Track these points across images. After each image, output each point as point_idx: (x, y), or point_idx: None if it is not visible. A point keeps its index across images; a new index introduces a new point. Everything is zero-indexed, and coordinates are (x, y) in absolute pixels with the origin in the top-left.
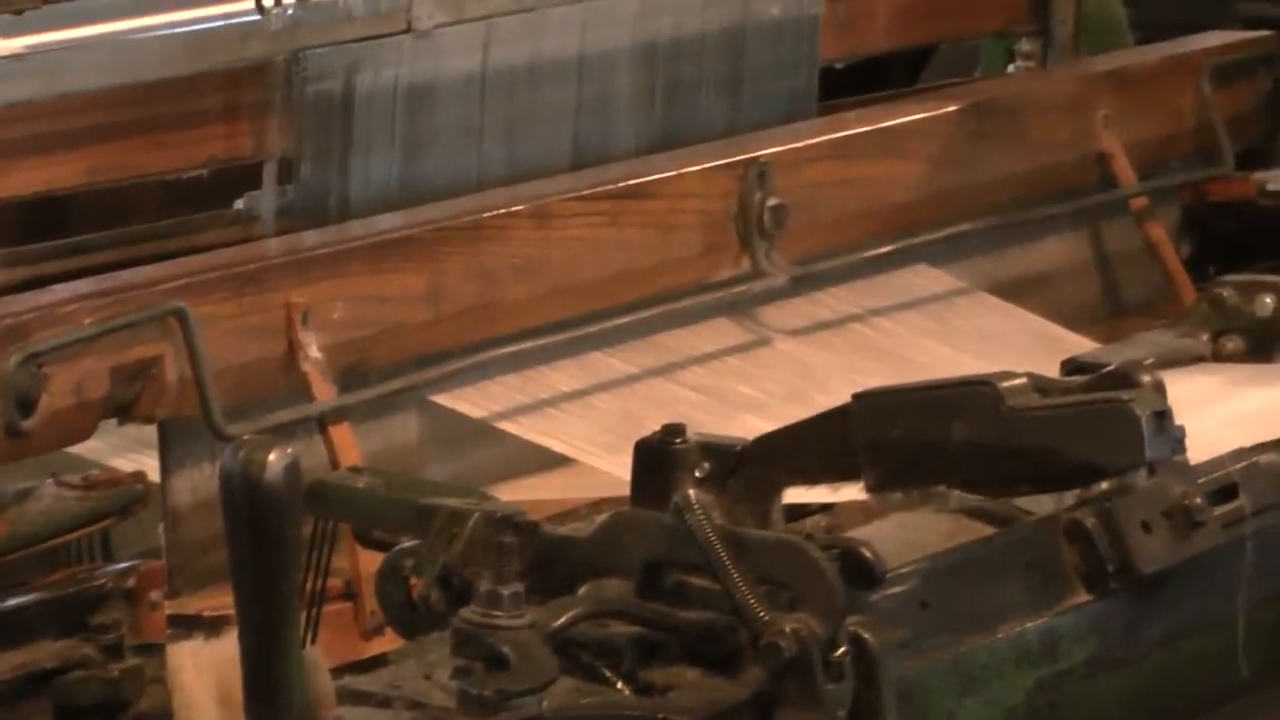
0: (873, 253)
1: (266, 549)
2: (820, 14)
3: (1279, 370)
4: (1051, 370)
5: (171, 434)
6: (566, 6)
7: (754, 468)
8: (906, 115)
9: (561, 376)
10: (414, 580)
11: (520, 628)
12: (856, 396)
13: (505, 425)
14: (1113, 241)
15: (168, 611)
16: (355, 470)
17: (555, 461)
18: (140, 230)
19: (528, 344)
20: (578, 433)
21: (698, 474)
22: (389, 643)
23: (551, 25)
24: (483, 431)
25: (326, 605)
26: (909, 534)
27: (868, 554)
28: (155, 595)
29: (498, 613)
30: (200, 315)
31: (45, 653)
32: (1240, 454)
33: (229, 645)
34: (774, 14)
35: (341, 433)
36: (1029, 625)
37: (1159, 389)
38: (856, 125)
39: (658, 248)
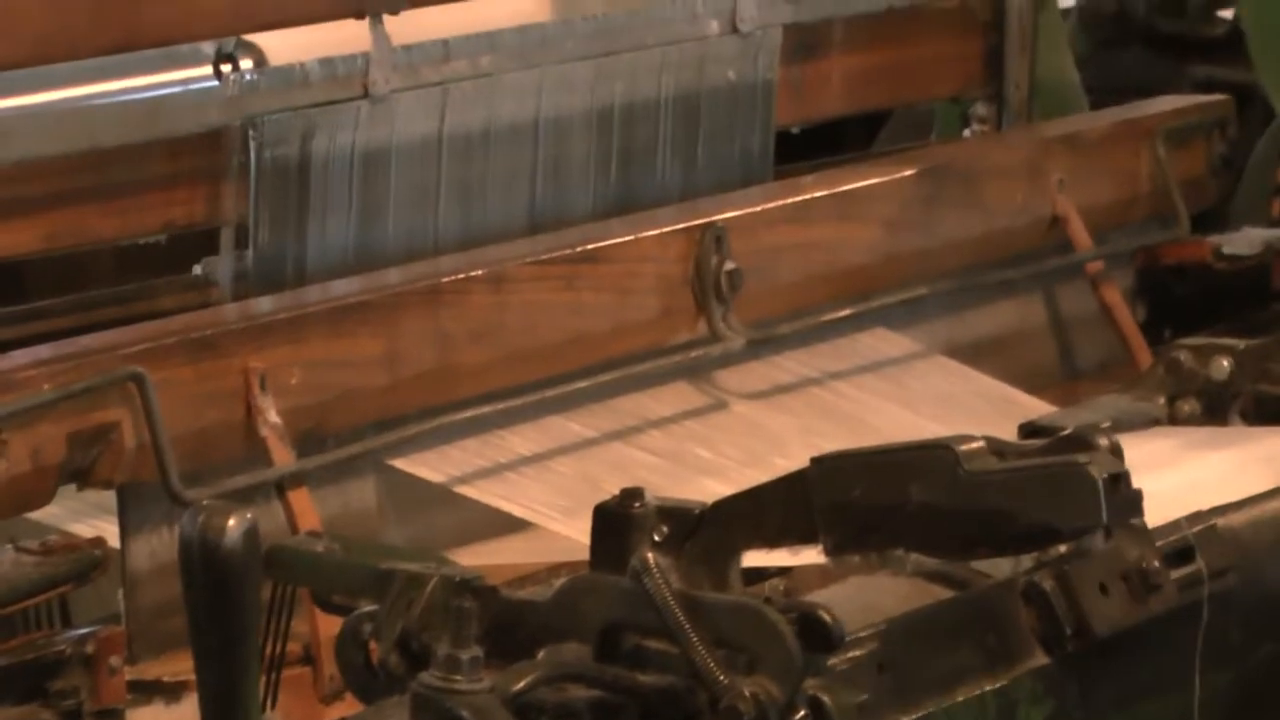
0: (829, 316)
1: (226, 614)
2: (775, 78)
3: (1234, 433)
4: (1009, 433)
5: (130, 499)
6: (522, 72)
7: (712, 531)
8: (862, 179)
9: (520, 440)
10: (373, 644)
11: (479, 692)
12: (814, 460)
13: (464, 489)
14: (1068, 305)
15: (127, 677)
16: (314, 534)
17: (514, 525)
18: (98, 295)
19: (486, 408)
20: (536, 497)
21: (656, 537)
22: (348, 707)
23: (507, 90)
24: (441, 496)
25: (286, 670)
26: (867, 597)
27: (826, 617)
28: (114, 661)
29: (457, 677)
30: (158, 380)
31: (4, 718)
32: (1197, 517)
33: (189, 711)
34: (729, 78)
35: (300, 497)
36: (986, 688)
37: (1116, 452)
38: (812, 189)
39: (614, 311)
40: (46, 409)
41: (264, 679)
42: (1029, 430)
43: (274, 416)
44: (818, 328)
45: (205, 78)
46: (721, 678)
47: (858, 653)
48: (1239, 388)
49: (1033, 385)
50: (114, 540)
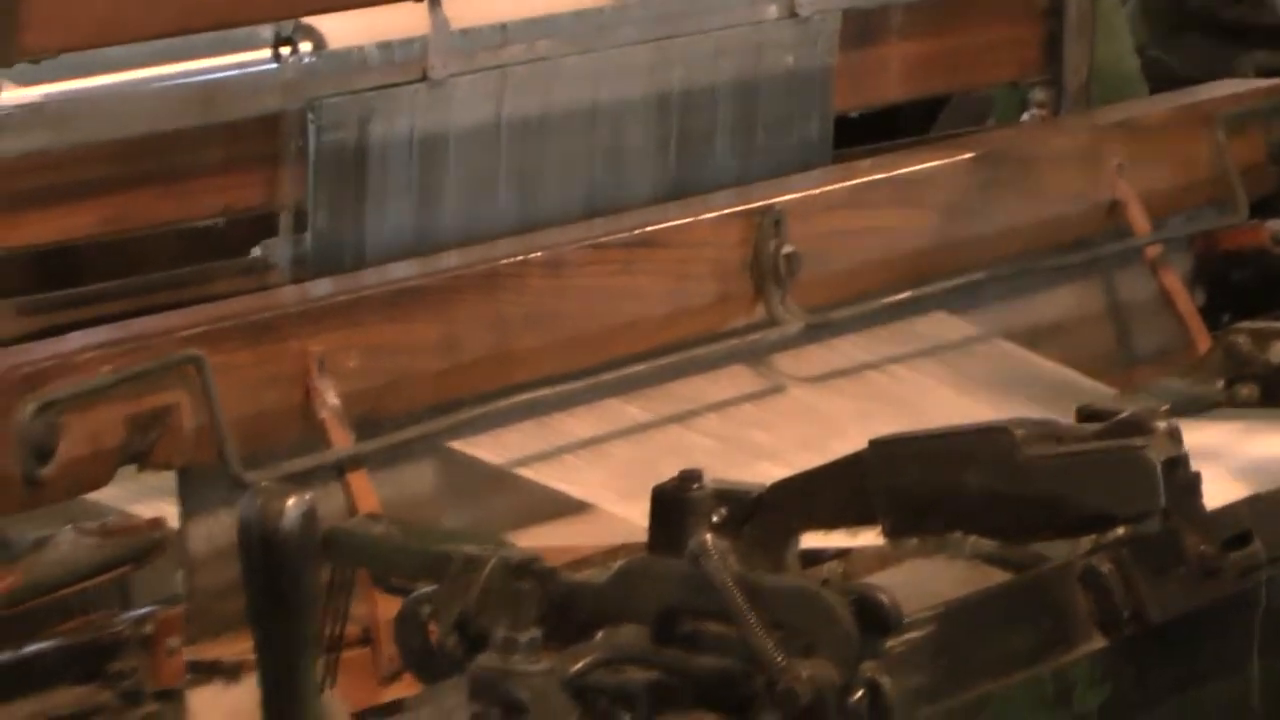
0: (887, 300)
1: (284, 595)
2: (834, 64)
3: None
4: (1066, 417)
5: (190, 481)
6: (579, 56)
7: (769, 514)
8: (920, 164)
9: (577, 424)
10: (432, 626)
11: (537, 673)
12: (872, 444)
13: (522, 472)
14: (1126, 290)
15: (186, 658)
16: (372, 517)
17: (572, 508)
18: (156, 279)
19: (543, 391)
20: (594, 479)
21: (714, 520)
22: (407, 688)
23: (565, 75)
24: (499, 478)
25: (345, 651)
26: (924, 580)
27: (884, 600)
28: (173, 641)
29: (515, 658)
30: (216, 363)
31: (63, 699)
32: (1254, 501)
33: (248, 691)
34: (787, 63)
35: (359, 479)
36: (1043, 671)
37: (1174, 436)
38: (870, 174)
39: (672, 295)
40: (105, 392)
41: (323, 660)
42: (1087, 414)
43: (333, 399)
44: (875, 312)
45: (264, 61)
46: (779, 660)
47: (915, 635)
48: None
49: (1091, 370)
50: (173, 522)
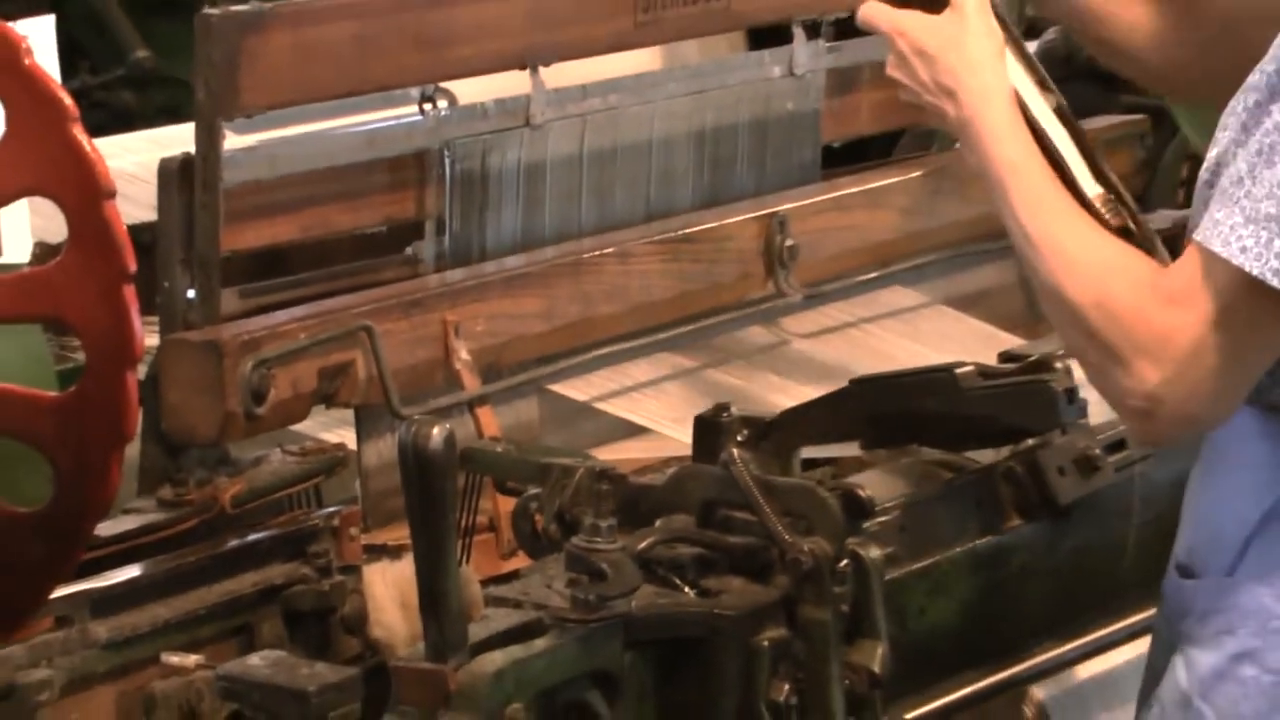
0: (861, 278)
1: (432, 497)
2: (821, 108)
3: None
4: (991, 360)
5: (364, 415)
6: (639, 106)
7: (779, 433)
8: (885, 179)
9: (640, 370)
10: (538, 517)
11: (614, 550)
12: (853, 381)
13: (601, 406)
14: None
15: (363, 542)
16: (494, 440)
17: (636, 431)
18: (338, 270)
19: (616, 347)
20: (653, 410)
21: (739, 438)
22: (520, 562)
23: (628, 120)
24: (584, 410)
25: (476, 536)
26: (891, 479)
27: (862, 494)
28: (354, 530)
29: (598, 540)
30: (382, 330)
31: (276, 573)
32: None
33: (407, 566)
34: (788, 108)
35: (485, 413)
36: (978, 543)
37: (1069, 372)
38: (850, 186)
39: (707, 276)
40: (302, 352)
41: (460, 543)
42: (1006, 357)
43: (465, 355)
44: (853, 286)
45: (413, 114)
46: (788, 538)
47: (885, 519)
48: None
49: (1007, 326)
50: (352, 445)
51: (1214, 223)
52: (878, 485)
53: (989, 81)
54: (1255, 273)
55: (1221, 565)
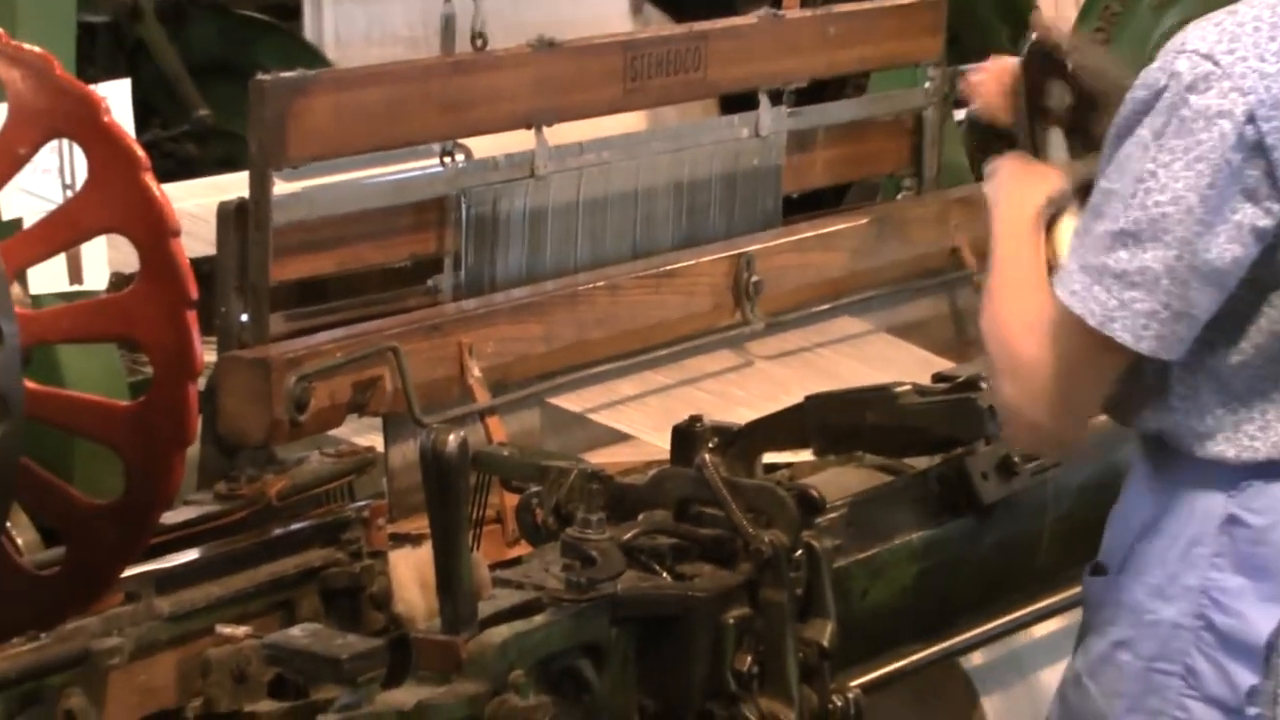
0: (816, 309)
1: (448, 492)
2: (782, 164)
3: None
4: (926, 380)
5: (390, 423)
6: (627, 160)
7: (745, 441)
8: (836, 225)
9: (627, 386)
10: (538, 511)
11: (602, 540)
12: (808, 398)
13: (593, 416)
14: (962, 301)
15: (388, 531)
16: (501, 445)
17: (623, 438)
18: (370, 299)
19: (606, 366)
20: (637, 420)
21: (710, 445)
22: (522, 549)
23: (618, 172)
24: (578, 420)
25: (485, 526)
26: (840, 481)
27: (814, 493)
28: (381, 521)
29: (589, 531)
30: (407, 350)
31: (315, 557)
32: None
33: (427, 552)
34: (754, 164)
35: (493, 421)
36: (914, 536)
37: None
38: (806, 231)
39: (684, 307)
40: (338, 369)
41: (471, 532)
42: (939, 378)
43: (477, 372)
44: (809, 316)
45: (434, 165)
46: (751, 531)
47: (834, 515)
48: None
49: (941, 351)
50: (380, 448)
51: (1064, 269)
52: (828, 486)
53: (1012, 196)
54: (1078, 312)
55: (1115, 565)
